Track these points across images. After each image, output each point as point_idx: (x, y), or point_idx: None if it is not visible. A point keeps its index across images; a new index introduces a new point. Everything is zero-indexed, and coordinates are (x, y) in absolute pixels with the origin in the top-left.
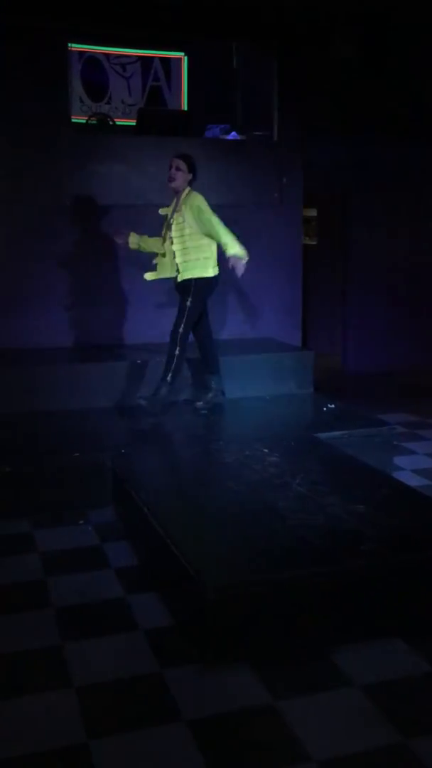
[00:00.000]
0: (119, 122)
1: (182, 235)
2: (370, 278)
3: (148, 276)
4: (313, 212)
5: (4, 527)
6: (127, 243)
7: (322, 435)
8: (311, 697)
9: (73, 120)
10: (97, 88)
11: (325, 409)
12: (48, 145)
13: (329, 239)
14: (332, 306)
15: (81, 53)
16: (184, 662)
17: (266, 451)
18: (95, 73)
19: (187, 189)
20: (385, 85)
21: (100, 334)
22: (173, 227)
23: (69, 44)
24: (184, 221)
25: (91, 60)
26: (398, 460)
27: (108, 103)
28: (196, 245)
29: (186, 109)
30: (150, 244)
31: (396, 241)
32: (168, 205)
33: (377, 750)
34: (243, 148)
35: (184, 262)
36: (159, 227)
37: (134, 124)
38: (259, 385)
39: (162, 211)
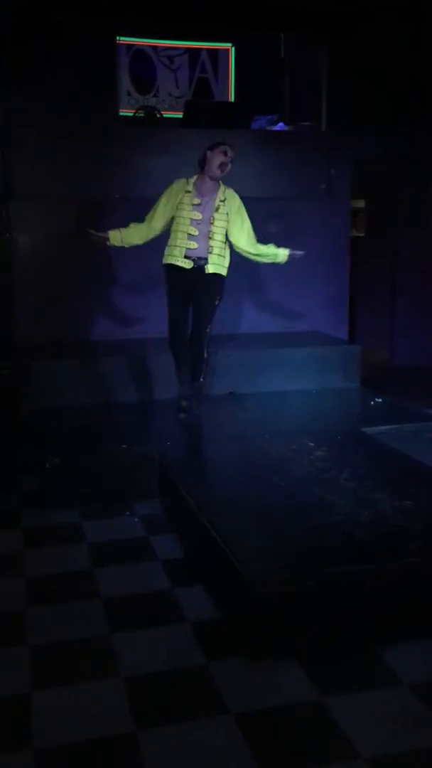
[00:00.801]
0: (166, 115)
1: (223, 228)
2: (419, 270)
3: (113, 238)
4: (361, 203)
5: (54, 517)
6: (106, 241)
7: (369, 429)
8: (359, 694)
9: (120, 113)
10: (145, 81)
11: (372, 403)
12: (97, 139)
13: (378, 231)
14: (380, 298)
15: (129, 46)
16: (230, 656)
17: (312, 445)
18: (143, 65)
19: (225, 186)
20: None
21: (152, 327)
22: (215, 216)
23: (117, 37)
24: (227, 215)
25: (138, 53)
26: None
27: (155, 95)
28: (227, 243)
29: (233, 100)
30: (132, 235)
31: None
32: (186, 181)
33: (426, 750)
34: (290, 139)
35: (220, 256)
36: None
37: (181, 116)
38: (305, 378)
39: (180, 187)
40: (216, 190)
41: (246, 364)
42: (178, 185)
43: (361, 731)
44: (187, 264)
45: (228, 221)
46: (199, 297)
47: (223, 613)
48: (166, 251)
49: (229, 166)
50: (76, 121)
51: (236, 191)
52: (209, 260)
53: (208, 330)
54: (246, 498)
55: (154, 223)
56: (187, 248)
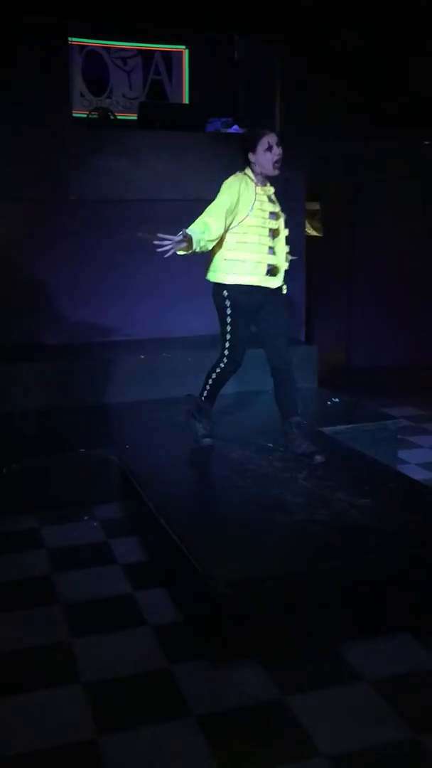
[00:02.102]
0: (120, 116)
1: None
2: (375, 271)
3: (274, 283)
4: (316, 206)
5: (11, 523)
6: (185, 245)
7: (327, 429)
8: (320, 692)
9: (74, 115)
10: (98, 82)
11: (329, 403)
12: (50, 141)
13: (335, 233)
14: (337, 300)
15: (81, 47)
16: (192, 658)
17: (271, 445)
18: (96, 67)
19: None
20: (393, 78)
21: (106, 329)
22: (279, 222)
23: (69, 38)
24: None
25: (91, 54)
26: (403, 454)
27: (109, 97)
28: None
29: (187, 102)
30: (203, 240)
31: (402, 234)
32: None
33: (386, 745)
34: None
35: (284, 265)
36: (163, 221)
37: (135, 118)
38: (261, 379)
39: (248, 187)
40: (270, 188)
41: (203, 366)
42: (245, 185)
43: (322, 729)
44: (274, 282)
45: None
46: (272, 313)
47: (185, 615)
48: (230, 267)
49: (281, 150)
50: (28, 122)
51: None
52: (273, 270)
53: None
54: (206, 499)
55: (225, 224)
56: (269, 264)
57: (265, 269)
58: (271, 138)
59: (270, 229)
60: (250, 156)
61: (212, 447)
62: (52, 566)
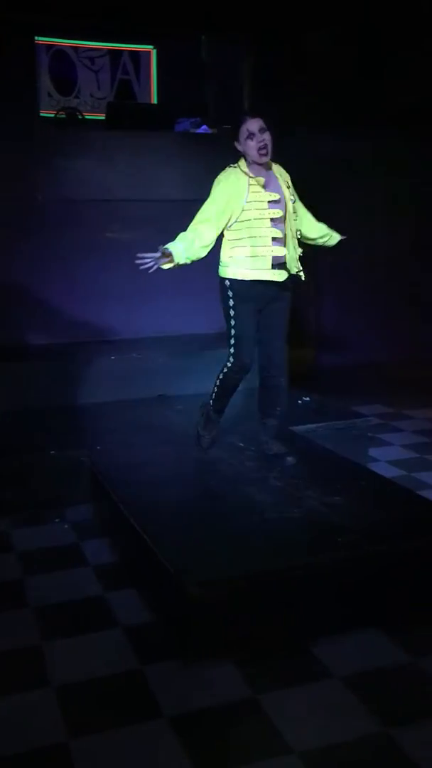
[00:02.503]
0: (88, 116)
1: (296, 220)
2: (344, 271)
3: (280, 277)
4: None
5: None
6: (168, 261)
7: (298, 428)
8: (291, 690)
9: (41, 114)
10: (66, 81)
11: (300, 402)
12: (17, 141)
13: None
14: (307, 299)
15: (48, 46)
16: (164, 658)
17: (242, 445)
18: (63, 66)
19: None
20: (361, 78)
21: (75, 330)
22: (288, 209)
23: (36, 37)
24: (294, 200)
25: (58, 53)
26: (373, 452)
27: (77, 97)
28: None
29: (156, 102)
30: (193, 248)
31: (372, 234)
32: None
33: (357, 740)
34: (214, 142)
35: (299, 255)
36: (133, 222)
37: (104, 118)
38: None
39: (240, 180)
40: (272, 171)
41: (175, 366)
42: (234, 178)
43: (293, 726)
44: (280, 276)
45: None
46: (273, 310)
47: (156, 615)
48: (233, 262)
49: (269, 139)
50: None
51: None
52: (299, 265)
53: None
54: (177, 500)
55: (220, 226)
56: (274, 256)
57: (269, 262)
58: (251, 125)
59: (271, 219)
60: (237, 145)
61: (186, 449)
62: (23, 569)
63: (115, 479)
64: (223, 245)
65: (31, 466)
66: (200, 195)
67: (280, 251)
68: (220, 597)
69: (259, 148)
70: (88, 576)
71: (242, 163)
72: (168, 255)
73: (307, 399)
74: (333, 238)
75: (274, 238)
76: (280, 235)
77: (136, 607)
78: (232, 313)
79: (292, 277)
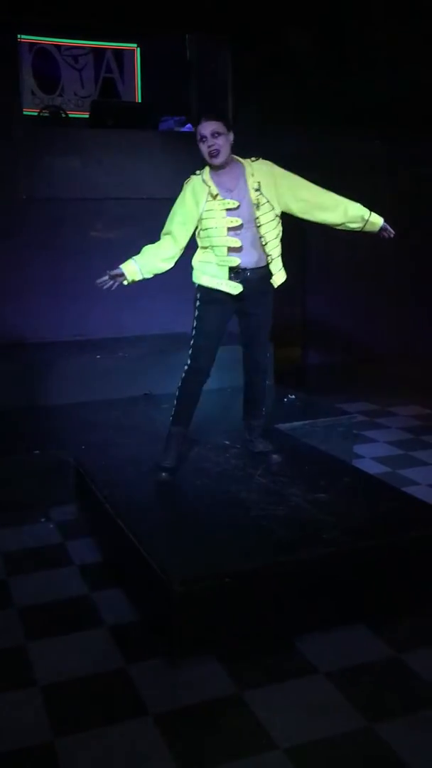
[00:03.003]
0: (72, 115)
1: (274, 220)
2: (329, 269)
3: (234, 289)
4: None
5: None
6: (123, 280)
7: (283, 426)
8: (277, 686)
9: (24, 113)
10: (49, 80)
11: (285, 400)
12: (0, 139)
13: (289, 231)
14: (292, 298)
15: (31, 44)
16: (150, 657)
17: (227, 443)
18: (46, 64)
19: (249, 160)
20: (341, 77)
21: (59, 329)
22: (255, 214)
23: (18, 35)
24: (268, 201)
25: (41, 51)
26: (359, 449)
27: (60, 95)
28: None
29: (140, 101)
30: (153, 262)
31: (355, 232)
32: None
33: (342, 735)
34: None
35: (279, 256)
36: (117, 221)
37: (88, 116)
38: (219, 377)
39: (199, 188)
40: (241, 173)
41: (161, 365)
42: (191, 188)
43: (278, 722)
44: (235, 288)
45: (272, 205)
46: (251, 314)
47: (142, 614)
48: (200, 268)
49: (220, 142)
50: None
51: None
52: (271, 271)
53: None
54: (162, 498)
55: (180, 239)
56: (230, 267)
57: (226, 273)
58: (203, 128)
59: (228, 228)
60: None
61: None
62: (7, 570)
63: (100, 478)
64: (197, 249)
65: (16, 465)
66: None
67: (234, 261)
68: (204, 594)
69: (210, 153)
70: (74, 575)
71: (206, 169)
72: (121, 275)
73: (293, 397)
74: (371, 223)
75: (230, 248)
76: (237, 244)
77: (122, 606)
78: (196, 314)
79: (261, 285)
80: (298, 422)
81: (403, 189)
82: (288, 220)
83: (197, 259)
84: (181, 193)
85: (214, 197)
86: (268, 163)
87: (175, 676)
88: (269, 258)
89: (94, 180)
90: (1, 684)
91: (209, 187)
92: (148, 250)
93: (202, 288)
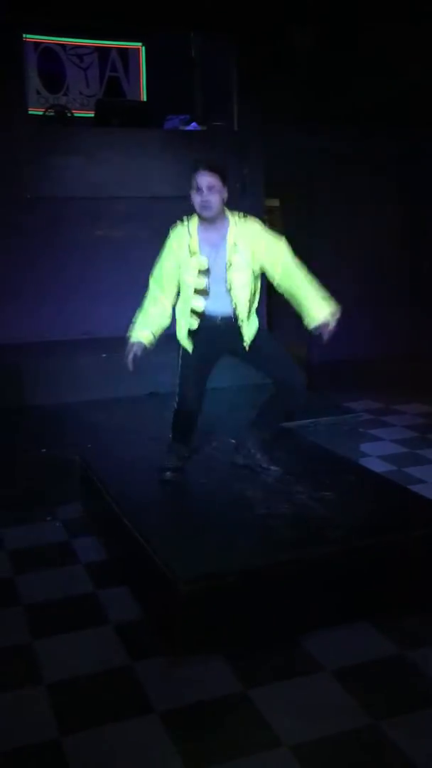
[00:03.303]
0: (77, 114)
1: (248, 282)
2: (333, 266)
3: (146, 338)
4: (275, 202)
5: None
6: (143, 348)
7: (289, 424)
8: (282, 684)
9: (30, 112)
10: (54, 79)
11: None
12: (6, 139)
13: (293, 228)
14: None
15: (36, 44)
16: (155, 655)
17: (233, 441)
18: (52, 64)
19: (237, 214)
20: (344, 74)
21: (65, 328)
22: (228, 278)
23: (24, 35)
24: (244, 261)
25: (47, 51)
26: (364, 447)
27: (65, 94)
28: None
29: (145, 99)
30: (158, 322)
31: (359, 229)
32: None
33: (348, 733)
34: (203, 139)
35: (249, 314)
36: (122, 220)
37: (93, 115)
38: (224, 376)
39: (180, 241)
40: (226, 230)
41: (167, 364)
42: (177, 240)
43: (284, 720)
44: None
45: (249, 265)
46: (250, 352)
47: (147, 612)
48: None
49: (212, 196)
50: None
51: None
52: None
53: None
54: (168, 497)
55: (169, 289)
56: (190, 329)
57: (185, 331)
58: (200, 179)
59: (195, 290)
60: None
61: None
62: (14, 568)
63: (106, 477)
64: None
65: (22, 464)
66: (189, 192)
67: (193, 324)
68: (209, 593)
69: (202, 205)
70: (80, 574)
71: (195, 220)
72: (138, 344)
73: None
74: (311, 317)
75: (192, 311)
76: (199, 309)
77: (127, 604)
78: (179, 363)
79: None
80: (303, 420)
81: (404, 187)
82: (294, 222)
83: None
84: (168, 242)
85: (192, 253)
86: (257, 223)
87: (181, 674)
88: (239, 317)
89: (99, 179)
90: (8, 682)
91: (191, 239)
92: (146, 311)
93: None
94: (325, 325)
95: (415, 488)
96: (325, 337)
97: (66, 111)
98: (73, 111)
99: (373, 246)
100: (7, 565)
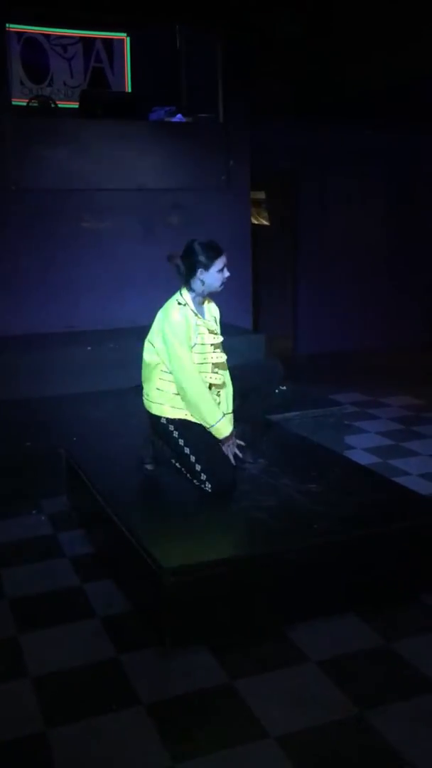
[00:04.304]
0: (62, 105)
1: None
2: (319, 259)
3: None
4: (261, 195)
5: None
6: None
7: (275, 417)
8: (268, 675)
9: (13, 103)
10: (38, 69)
11: (276, 391)
12: None
13: (279, 221)
14: (283, 288)
15: (19, 34)
16: (141, 647)
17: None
18: (35, 54)
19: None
20: (332, 68)
21: (50, 321)
22: (217, 348)
23: (7, 24)
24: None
25: (30, 41)
26: (350, 439)
27: (50, 85)
28: None
29: (130, 91)
30: (208, 393)
31: (345, 223)
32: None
33: (334, 723)
34: (189, 131)
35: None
36: (108, 212)
37: (77, 106)
38: None
39: (190, 319)
40: (205, 307)
41: None
42: (186, 320)
43: (270, 711)
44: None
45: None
46: None
47: (134, 605)
48: (163, 396)
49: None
50: None
51: None
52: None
53: None
54: (153, 489)
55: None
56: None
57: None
58: (225, 260)
59: (213, 365)
60: (201, 274)
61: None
62: None
63: (91, 470)
64: (151, 378)
65: (7, 457)
66: (176, 184)
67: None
68: (195, 585)
69: (222, 283)
70: (65, 567)
71: (188, 299)
72: (232, 431)
73: (284, 388)
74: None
75: (212, 385)
76: (219, 381)
77: (114, 598)
78: (183, 444)
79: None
80: (289, 413)
81: (396, 179)
82: (280, 215)
83: (156, 387)
84: (179, 325)
85: (205, 330)
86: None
87: (167, 666)
88: (224, 393)
89: (84, 170)
90: None
91: (199, 318)
92: (203, 392)
93: (173, 419)
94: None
95: (400, 480)
96: (224, 447)
97: (50, 102)
98: (57, 102)
99: (358, 239)
100: None
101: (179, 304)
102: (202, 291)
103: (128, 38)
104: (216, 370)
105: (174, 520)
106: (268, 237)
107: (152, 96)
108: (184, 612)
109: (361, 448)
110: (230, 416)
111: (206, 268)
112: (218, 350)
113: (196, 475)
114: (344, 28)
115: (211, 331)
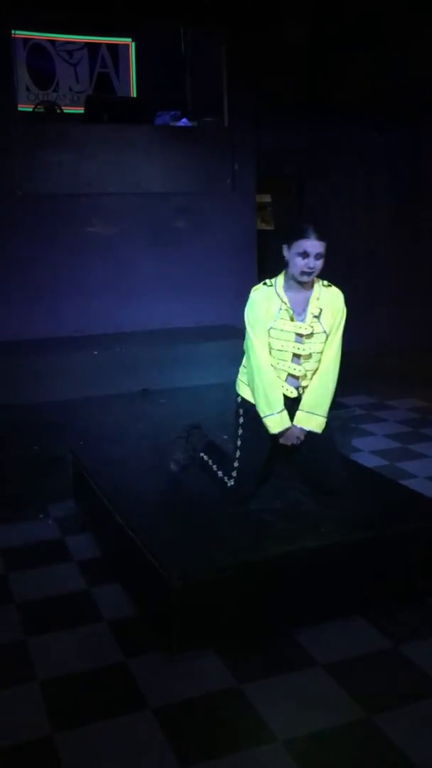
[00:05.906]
0: (67, 110)
1: (320, 351)
2: (328, 259)
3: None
4: (267, 198)
5: None
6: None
7: None
8: (275, 679)
9: (19, 109)
10: (44, 75)
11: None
12: None
13: (284, 224)
14: None
15: (25, 40)
16: (149, 651)
17: (225, 437)
18: (41, 60)
19: (321, 281)
20: (338, 68)
21: (56, 325)
22: (308, 336)
23: (12, 31)
24: (324, 331)
25: (36, 47)
26: (357, 442)
27: (55, 90)
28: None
29: (135, 95)
30: (278, 391)
31: (351, 225)
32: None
33: (342, 727)
34: (194, 135)
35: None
36: (113, 216)
37: (83, 111)
38: (216, 372)
39: (269, 303)
40: (309, 295)
41: (158, 361)
42: (267, 300)
43: (277, 715)
44: (291, 392)
45: (323, 335)
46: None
47: (141, 609)
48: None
49: (319, 267)
50: None
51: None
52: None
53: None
54: (161, 493)
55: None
56: (284, 395)
57: (284, 377)
58: (310, 246)
59: (294, 355)
60: (285, 250)
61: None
62: (6, 566)
63: (99, 474)
64: (244, 359)
65: (14, 461)
66: (181, 188)
67: (291, 393)
68: (203, 588)
69: (304, 272)
70: (72, 571)
71: (280, 281)
72: (290, 427)
73: None
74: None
75: (291, 376)
76: (299, 373)
77: (121, 602)
78: (240, 432)
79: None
80: None
81: (404, 179)
82: (285, 210)
83: (244, 367)
84: (253, 309)
85: (291, 318)
86: (341, 296)
87: (174, 670)
88: (306, 381)
89: (90, 175)
90: (1, 679)
91: (284, 303)
92: (271, 383)
93: (250, 404)
94: (297, 430)
95: (407, 483)
96: (281, 440)
97: (56, 107)
98: (63, 107)
99: (364, 240)
100: (0, 563)
101: (265, 284)
102: (292, 275)
103: (133, 43)
104: (301, 361)
105: (180, 524)
106: (273, 241)
107: (157, 100)
108: (192, 615)
109: (368, 450)
110: (285, 414)
111: (288, 246)
112: (308, 341)
113: (227, 462)
114: (350, 29)
115: (291, 318)
